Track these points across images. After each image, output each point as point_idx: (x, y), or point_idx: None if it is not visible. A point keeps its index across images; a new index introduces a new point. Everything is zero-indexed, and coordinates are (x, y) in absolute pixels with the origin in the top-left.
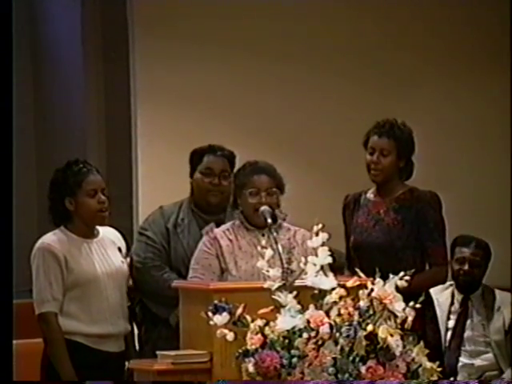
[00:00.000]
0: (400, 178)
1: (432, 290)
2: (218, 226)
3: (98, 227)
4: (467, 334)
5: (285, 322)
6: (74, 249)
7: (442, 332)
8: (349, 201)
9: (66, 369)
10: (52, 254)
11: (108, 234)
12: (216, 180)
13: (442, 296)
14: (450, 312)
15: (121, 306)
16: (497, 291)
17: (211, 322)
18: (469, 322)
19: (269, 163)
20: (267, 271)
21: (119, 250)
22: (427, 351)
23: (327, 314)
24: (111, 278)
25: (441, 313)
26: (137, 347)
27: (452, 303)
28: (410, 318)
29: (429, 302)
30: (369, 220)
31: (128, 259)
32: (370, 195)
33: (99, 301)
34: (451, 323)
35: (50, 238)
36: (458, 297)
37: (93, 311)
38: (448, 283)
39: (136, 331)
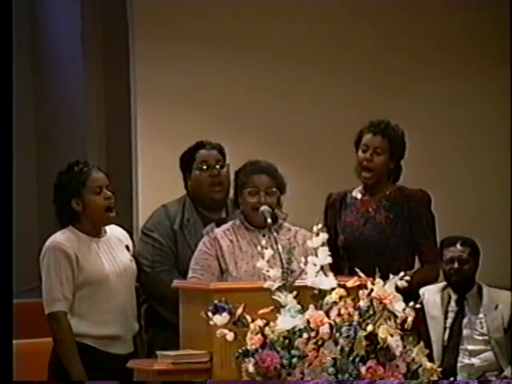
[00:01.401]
0: (389, 180)
1: (428, 291)
2: (219, 225)
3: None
4: (466, 332)
5: (285, 322)
6: (84, 247)
7: (441, 332)
8: (333, 200)
9: (77, 368)
10: (63, 252)
11: (115, 232)
12: (215, 171)
13: (438, 296)
14: (447, 312)
15: (130, 304)
16: (493, 289)
17: (211, 322)
18: (466, 320)
19: (270, 163)
20: (267, 271)
21: (127, 248)
22: (427, 351)
23: (327, 314)
24: (120, 276)
25: (438, 313)
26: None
27: (449, 303)
28: (409, 318)
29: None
30: (358, 218)
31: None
32: (357, 194)
33: (108, 300)
34: (449, 323)
35: (60, 237)
36: (454, 296)
37: (102, 311)
38: (444, 283)
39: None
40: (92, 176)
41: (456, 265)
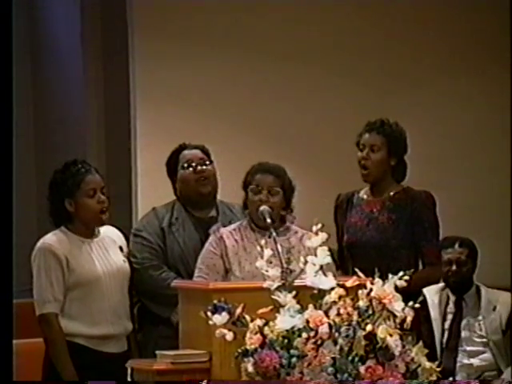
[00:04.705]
0: (393, 178)
1: (427, 292)
2: (211, 225)
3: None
4: (464, 334)
5: (284, 321)
6: (75, 249)
7: (439, 333)
8: (341, 200)
9: (68, 369)
10: (53, 254)
11: (109, 233)
12: (198, 167)
13: (436, 297)
14: (445, 313)
15: (122, 305)
16: (492, 290)
17: (210, 322)
18: (464, 322)
19: (279, 165)
20: (266, 271)
21: (120, 249)
22: (426, 351)
23: (326, 313)
24: (112, 277)
25: (437, 314)
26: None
27: (447, 304)
28: (409, 318)
29: (423, 302)
30: (362, 219)
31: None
32: (363, 194)
33: (100, 300)
34: (447, 324)
35: (51, 239)
36: (452, 297)
37: (94, 311)
38: (442, 284)
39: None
40: (87, 178)
41: (454, 267)
